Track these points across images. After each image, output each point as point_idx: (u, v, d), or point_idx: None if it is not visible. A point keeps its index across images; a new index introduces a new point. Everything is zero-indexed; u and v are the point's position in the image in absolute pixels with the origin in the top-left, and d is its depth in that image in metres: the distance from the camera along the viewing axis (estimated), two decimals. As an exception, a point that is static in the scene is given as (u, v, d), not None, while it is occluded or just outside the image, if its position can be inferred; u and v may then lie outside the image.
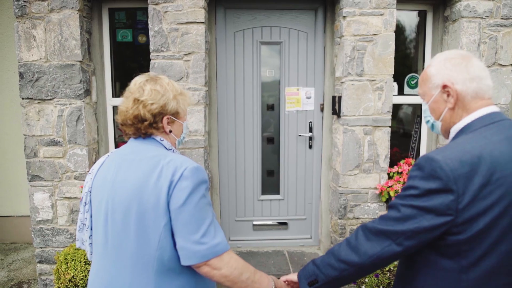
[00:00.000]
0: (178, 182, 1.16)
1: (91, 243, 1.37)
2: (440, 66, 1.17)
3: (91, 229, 1.35)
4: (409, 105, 3.49)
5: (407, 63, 3.42)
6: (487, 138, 1.07)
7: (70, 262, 2.57)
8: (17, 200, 3.96)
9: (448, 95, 1.15)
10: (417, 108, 3.41)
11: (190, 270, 1.24)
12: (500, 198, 1.01)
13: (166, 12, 2.83)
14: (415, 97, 3.33)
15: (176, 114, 1.34)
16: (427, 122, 1.26)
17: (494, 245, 1.04)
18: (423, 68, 3.35)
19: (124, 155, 1.29)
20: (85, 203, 1.35)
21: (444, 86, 1.15)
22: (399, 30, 3.32)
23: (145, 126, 1.28)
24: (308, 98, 3.43)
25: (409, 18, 3.35)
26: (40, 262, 3.06)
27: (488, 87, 1.13)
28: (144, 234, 1.18)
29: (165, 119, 1.30)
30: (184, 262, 1.18)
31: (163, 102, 1.28)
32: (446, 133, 1.23)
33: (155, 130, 1.30)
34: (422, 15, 3.29)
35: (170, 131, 1.33)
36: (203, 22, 2.85)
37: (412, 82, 3.34)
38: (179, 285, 1.22)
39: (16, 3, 2.79)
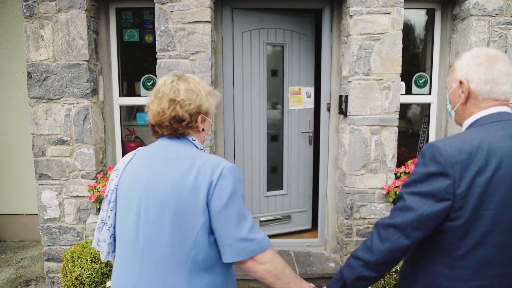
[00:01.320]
0: (218, 182, 1.18)
1: (110, 243, 1.35)
2: (464, 62, 1.23)
3: (114, 227, 1.33)
4: (418, 104, 3.45)
5: (415, 62, 3.39)
6: (489, 133, 1.13)
7: (77, 260, 2.59)
8: (26, 198, 4.01)
9: (462, 91, 1.23)
10: (425, 107, 3.37)
11: (221, 269, 1.26)
12: (490, 187, 1.07)
13: (172, 11, 2.83)
14: (423, 96, 3.30)
15: (207, 113, 1.35)
16: (447, 108, 1.35)
17: (486, 235, 1.08)
18: (431, 67, 3.31)
19: (157, 153, 1.27)
20: (110, 201, 1.33)
21: (461, 82, 1.22)
22: (408, 29, 3.29)
23: (183, 126, 1.28)
24: (308, 97, 3.64)
25: (418, 17, 3.32)
26: (47, 260, 3.09)
27: (504, 92, 1.18)
28: (179, 233, 1.17)
29: (199, 118, 1.31)
30: (230, 259, 1.19)
31: (199, 102, 1.29)
32: (460, 125, 1.30)
33: (190, 130, 1.31)
34: (431, 14, 3.25)
35: (203, 129, 1.35)
36: (209, 22, 2.85)
37: (420, 81, 3.30)
38: (210, 283, 1.22)
39: (24, 3, 2.82)
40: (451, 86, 1.27)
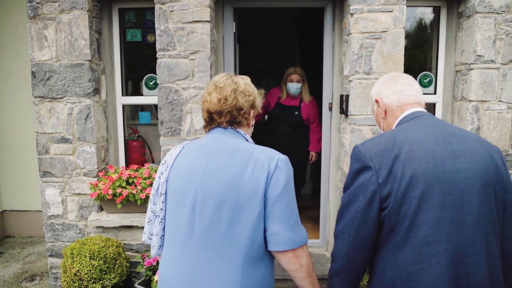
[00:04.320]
0: (274, 172, 1.25)
1: (162, 236, 1.40)
2: (375, 86, 1.47)
3: (164, 219, 1.39)
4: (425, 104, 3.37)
5: (420, 61, 3.32)
6: (403, 127, 1.28)
7: (76, 257, 2.63)
8: (33, 195, 4.10)
9: (380, 108, 1.42)
10: (430, 107, 3.30)
11: (270, 261, 1.33)
12: (407, 169, 1.14)
13: (172, 11, 2.85)
14: (428, 96, 3.22)
15: (256, 111, 1.48)
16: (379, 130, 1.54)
17: (416, 216, 1.14)
18: (436, 66, 3.24)
19: (213, 147, 1.34)
20: (161, 193, 1.39)
21: (377, 101, 1.44)
22: (413, 27, 3.23)
23: (241, 115, 1.39)
24: None
25: (424, 15, 3.25)
26: (51, 256, 3.15)
27: (411, 96, 1.37)
28: (237, 223, 1.23)
29: (252, 112, 1.45)
30: (274, 247, 1.26)
31: (254, 96, 1.45)
32: None
33: (245, 121, 1.42)
34: (436, 12, 3.18)
35: (252, 125, 1.50)
36: (208, 21, 2.85)
37: (425, 81, 3.23)
38: (261, 274, 1.29)
39: (29, 4, 2.88)
40: (373, 110, 1.47)
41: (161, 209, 1.39)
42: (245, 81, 1.45)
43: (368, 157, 1.19)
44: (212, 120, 1.42)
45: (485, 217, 1.16)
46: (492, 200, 1.18)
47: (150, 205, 1.46)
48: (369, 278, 1.31)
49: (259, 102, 1.48)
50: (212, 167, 1.28)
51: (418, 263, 1.15)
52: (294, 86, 3.84)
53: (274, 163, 1.26)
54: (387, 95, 1.39)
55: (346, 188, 1.26)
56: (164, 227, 1.40)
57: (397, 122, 1.36)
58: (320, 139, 3.90)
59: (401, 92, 1.37)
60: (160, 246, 1.41)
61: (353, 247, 1.22)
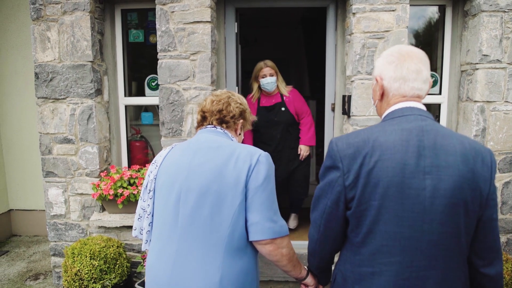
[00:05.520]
0: (256, 165, 1.34)
1: (149, 231, 1.49)
2: (380, 60, 1.30)
3: (152, 215, 1.47)
4: (429, 104, 3.32)
5: (425, 60, 3.25)
6: (382, 127, 1.20)
7: (77, 256, 2.65)
8: (39, 194, 4.14)
9: (378, 89, 1.29)
10: (435, 108, 3.24)
11: (252, 254, 1.40)
12: (373, 178, 1.13)
13: (173, 12, 2.85)
14: (433, 96, 3.16)
15: (245, 124, 1.62)
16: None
17: (374, 225, 1.15)
18: (442, 66, 3.18)
19: (200, 144, 1.45)
20: (149, 190, 1.48)
21: (376, 79, 1.30)
22: (417, 26, 3.17)
23: (229, 116, 1.53)
24: None
25: (428, 14, 3.19)
26: (54, 255, 3.18)
27: (412, 88, 1.23)
28: (219, 211, 1.31)
29: (241, 122, 1.58)
30: (255, 237, 1.33)
31: (244, 107, 1.61)
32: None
33: (232, 124, 1.55)
34: (441, 10, 3.12)
35: (239, 134, 1.62)
36: (209, 22, 2.85)
37: (430, 81, 3.17)
38: (243, 266, 1.35)
39: (32, 6, 2.91)
40: (373, 84, 1.35)
41: (149, 205, 1.47)
42: (239, 95, 1.63)
43: (339, 158, 1.18)
44: (204, 118, 1.55)
45: (447, 235, 1.13)
46: (460, 219, 1.13)
47: (140, 202, 1.54)
48: (337, 260, 1.37)
49: (249, 116, 1.62)
50: (198, 161, 1.37)
51: (370, 267, 1.18)
52: (268, 81, 3.42)
53: (256, 158, 1.36)
54: (389, 79, 1.24)
55: (320, 178, 1.28)
56: (152, 222, 1.47)
57: (387, 113, 1.25)
58: (309, 128, 3.56)
59: (404, 81, 1.22)
60: (147, 240, 1.51)
61: (323, 236, 1.29)
